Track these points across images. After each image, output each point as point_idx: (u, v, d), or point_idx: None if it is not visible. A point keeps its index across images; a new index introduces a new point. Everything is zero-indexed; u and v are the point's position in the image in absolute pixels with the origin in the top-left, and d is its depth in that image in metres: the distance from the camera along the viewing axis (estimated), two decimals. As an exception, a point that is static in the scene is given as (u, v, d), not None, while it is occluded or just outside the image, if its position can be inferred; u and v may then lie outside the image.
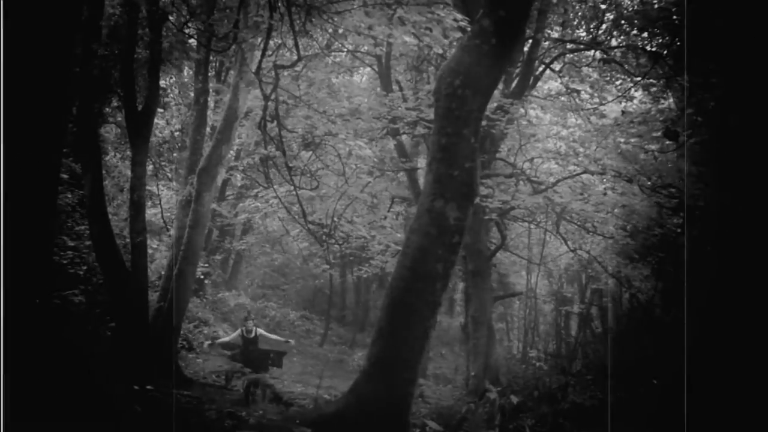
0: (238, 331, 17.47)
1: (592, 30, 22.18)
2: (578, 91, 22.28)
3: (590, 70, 22.53)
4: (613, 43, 21.04)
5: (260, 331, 17.36)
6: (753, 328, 9.83)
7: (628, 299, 26.64)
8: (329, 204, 21.27)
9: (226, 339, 18.29)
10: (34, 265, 7.68)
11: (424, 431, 12.57)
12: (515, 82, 21.73)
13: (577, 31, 23.22)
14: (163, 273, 19.24)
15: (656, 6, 17.40)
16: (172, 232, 20.12)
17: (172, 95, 26.05)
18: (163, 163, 27.25)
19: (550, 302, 37.81)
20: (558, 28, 23.13)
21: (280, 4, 13.27)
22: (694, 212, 17.83)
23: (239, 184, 31.99)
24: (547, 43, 22.57)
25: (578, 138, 21.06)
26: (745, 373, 10.22)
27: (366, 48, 21.79)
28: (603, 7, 21.20)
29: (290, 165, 17.19)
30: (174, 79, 25.27)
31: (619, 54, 20.52)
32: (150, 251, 20.16)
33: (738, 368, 10.58)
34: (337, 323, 37.03)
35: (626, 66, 20.16)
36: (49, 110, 7.71)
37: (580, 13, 22.42)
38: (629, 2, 20.32)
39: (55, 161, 8.10)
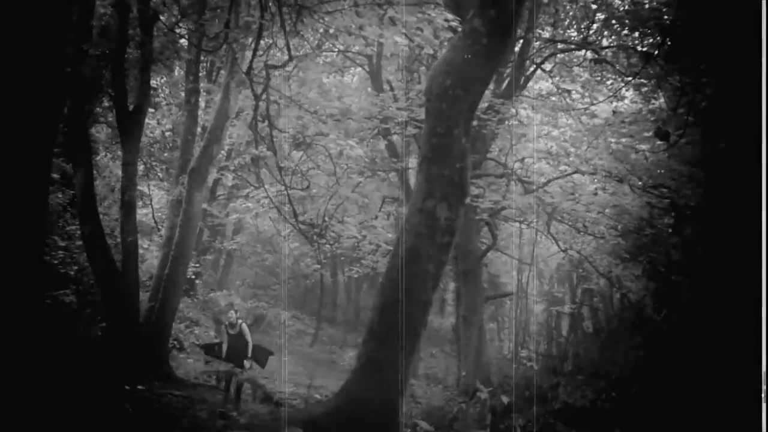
0: (222, 329, 16.83)
1: (583, 30, 22.24)
2: (569, 91, 22.33)
3: (581, 69, 22.59)
4: (604, 42, 21.08)
5: (244, 326, 16.46)
6: (745, 327, 9.86)
7: (618, 299, 26.71)
8: (320, 204, 21.26)
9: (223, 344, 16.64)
10: (24, 266, 7.66)
11: (415, 431, 12.57)
12: (506, 82, 21.78)
13: (568, 31, 23.29)
14: (153, 273, 19.23)
15: (647, 6, 17.44)
16: (163, 232, 20.12)
17: (162, 95, 26.07)
18: (154, 163, 27.27)
19: (541, 302, 37.95)
20: (549, 28, 23.17)
21: (270, 4, 13.28)
22: (686, 212, 17.88)
23: (230, 184, 31.99)
24: (538, 43, 22.59)
25: (569, 138, 21.08)
26: (738, 371, 10.26)
27: (357, 48, 21.81)
28: (594, 7, 21.25)
29: (281, 165, 17.18)
30: (165, 78, 25.27)
31: (610, 54, 20.56)
32: (141, 251, 20.13)
33: (731, 367, 10.63)
34: (327, 323, 37.12)
35: (617, 66, 20.19)
36: (39, 110, 7.69)
37: (571, 13, 22.48)
38: (620, 2, 20.37)
39: (45, 161, 8.09)
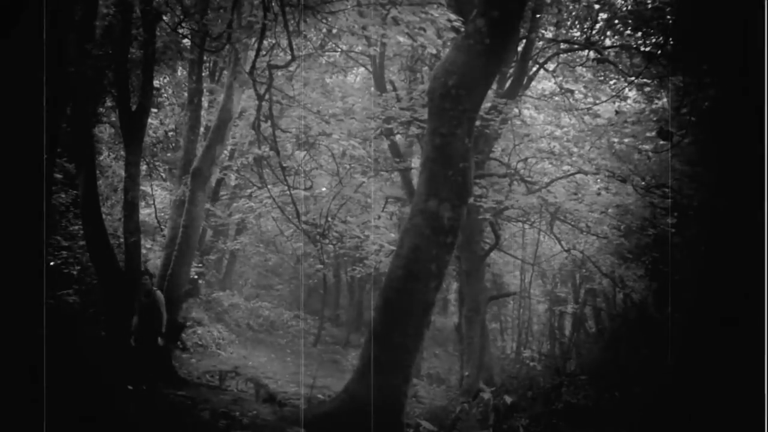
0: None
1: (585, 30, 22.19)
2: (572, 91, 22.28)
3: (584, 69, 22.55)
4: (607, 42, 21.05)
5: (159, 295, 15.16)
6: (748, 327, 9.85)
7: (621, 299, 26.70)
8: (323, 204, 21.25)
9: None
10: (26, 266, 7.67)
11: (418, 431, 12.56)
12: (509, 82, 21.72)
13: (571, 31, 23.23)
14: (157, 273, 19.22)
15: (650, 6, 17.42)
16: (166, 232, 20.12)
17: (165, 95, 26.05)
18: (156, 163, 27.27)
19: (543, 302, 37.89)
20: (552, 28, 23.13)
21: (273, 4, 13.28)
22: (688, 212, 17.85)
23: (233, 184, 32.00)
24: (540, 43, 22.57)
25: (572, 138, 21.05)
26: (738, 371, 10.25)
27: (360, 48, 21.84)
28: (597, 7, 21.21)
29: (284, 165, 17.19)
30: (168, 79, 25.27)
31: (612, 54, 20.53)
32: (144, 251, 20.13)
33: (731, 367, 10.61)
34: (330, 323, 37.03)
35: (620, 66, 20.17)
36: (42, 110, 7.70)
37: (573, 13, 22.42)
38: (623, 2, 20.34)
39: (49, 161, 8.10)
